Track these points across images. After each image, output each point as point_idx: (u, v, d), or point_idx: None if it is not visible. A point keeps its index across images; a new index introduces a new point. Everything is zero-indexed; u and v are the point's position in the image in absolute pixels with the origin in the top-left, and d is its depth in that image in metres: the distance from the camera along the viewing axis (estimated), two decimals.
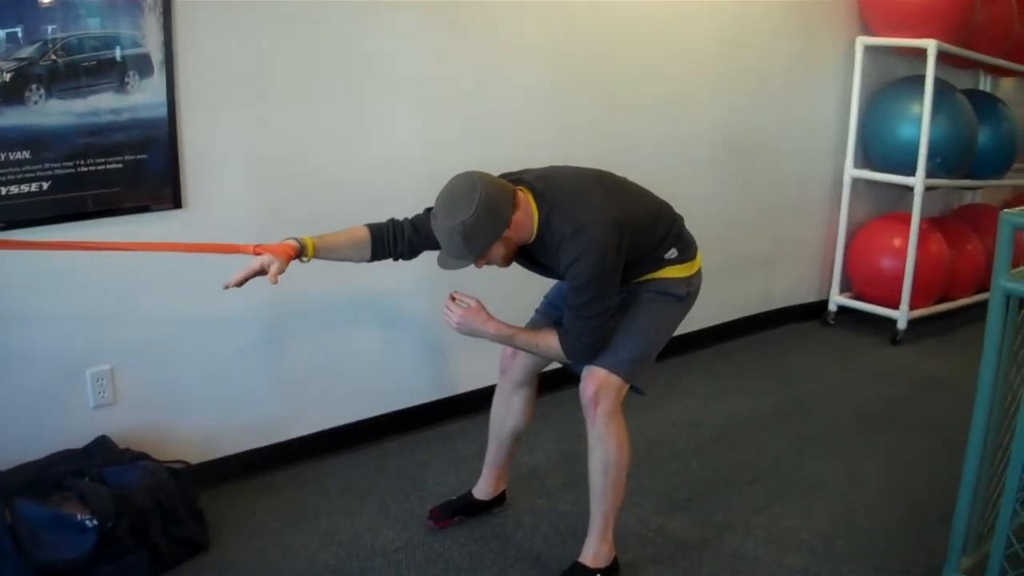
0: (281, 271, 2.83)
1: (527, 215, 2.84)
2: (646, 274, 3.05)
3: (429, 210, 2.91)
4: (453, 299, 3.05)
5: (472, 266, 2.84)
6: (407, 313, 4.21)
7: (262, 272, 2.83)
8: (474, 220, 2.69)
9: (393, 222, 3.10)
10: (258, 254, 2.85)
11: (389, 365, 4.20)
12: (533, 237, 2.87)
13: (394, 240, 3.07)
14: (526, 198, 2.85)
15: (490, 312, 3.02)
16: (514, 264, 3.00)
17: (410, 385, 4.30)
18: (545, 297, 3.35)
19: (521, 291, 3.38)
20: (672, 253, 3.05)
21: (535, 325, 3.21)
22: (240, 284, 2.87)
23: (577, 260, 2.77)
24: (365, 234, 3.05)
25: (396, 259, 3.13)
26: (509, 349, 3.27)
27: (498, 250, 2.82)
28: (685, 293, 3.10)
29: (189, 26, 3.29)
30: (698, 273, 3.16)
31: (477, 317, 3.01)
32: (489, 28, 4.17)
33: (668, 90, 5.02)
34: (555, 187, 2.89)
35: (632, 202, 2.99)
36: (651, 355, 3.09)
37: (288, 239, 2.91)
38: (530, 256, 2.98)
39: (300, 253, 2.90)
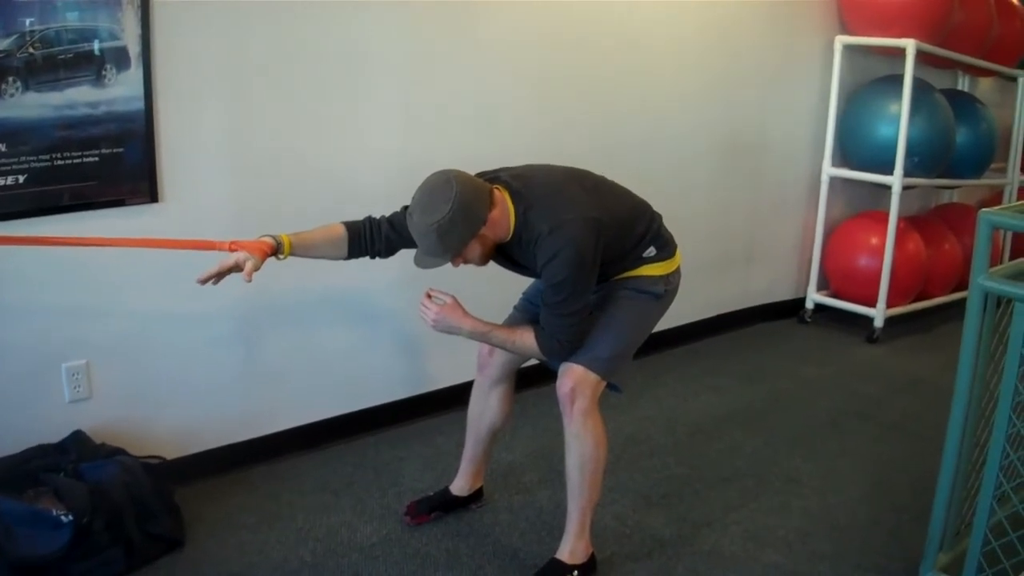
0: (256, 268, 2.82)
1: (504, 213, 2.83)
2: (624, 272, 3.05)
3: (407, 208, 2.90)
4: (429, 296, 3.04)
5: (449, 264, 2.84)
6: (384, 309, 4.20)
7: (237, 269, 2.82)
8: (450, 218, 2.69)
9: (370, 220, 3.09)
10: (234, 251, 2.83)
11: (366, 361, 4.19)
12: (510, 236, 2.87)
13: (371, 238, 3.07)
14: (503, 196, 2.85)
15: (466, 309, 3.02)
16: (491, 262, 2.99)
17: (387, 381, 4.29)
18: (524, 294, 3.35)
19: (498, 289, 3.37)
20: (650, 251, 3.05)
21: (513, 322, 3.21)
22: (216, 281, 2.86)
23: (554, 258, 2.76)
24: (342, 232, 3.05)
25: (373, 257, 3.13)
26: (487, 346, 3.26)
27: (475, 248, 2.82)
28: (663, 291, 3.10)
29: (167, 19, 3.27)
30: (676, 271, 3.16)
31: (453, 314, 3.00)
32: (473, 24, 4.16)
33: (648, 89, 5.03)
34: (532, 185, 2.89)
35: (610, 200, 2.99)
36: (628, 353, 3.10)
37: (264, 236, 2.90)
38: (507, 255, 2.98)
39: (276, 250, 2.90)
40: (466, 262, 2.89)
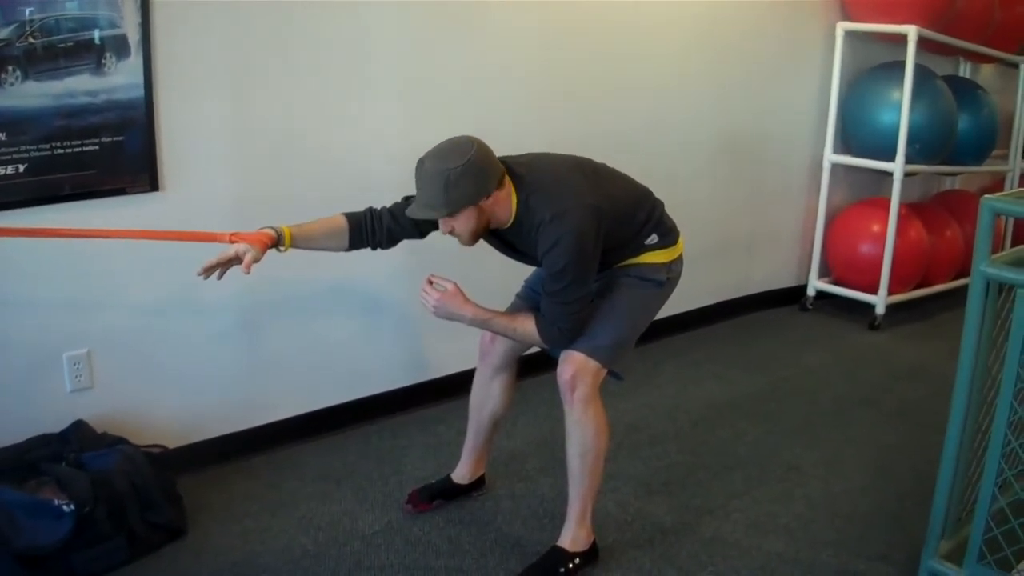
0: (256, 260, 2.81)
1: (508, 197, 2.83)
2: (626, 259, 3.05)
3: (407, 198, 2.89)
4: (430, 282, 3.03)
5: (447, 245, 2.82)
6: (385, 298, 4.19)
7: (237, 261, 2.81)
8: (462, 171, 2.68)
9: (371, 211, 3.08)
10: (234, 242, 2.83)
11: (367, 349, 4.19)
12: (511, 221, 2.87)
13: (372, 229, 3.06)
14: (507, 182, 2.84)
15: (467, 296, 3.02)
16: (493, 250, 2.99)
17: (388, 369, 4.29)
18: (526, 281, 3.34)
19: (500, 275, 3.37)
20: (653, 239, 3.05)
21: (516, 309, 3.20)
22: (220, 275, 2.85)
23: (555, 246, 2.76)
24: (343, 223, 3.04)
25: (374, 248, 3.12)
26: (488, 333, 3.26)
27: (469, 218, 2.80)
28: (665, 279, 3.10)
29: (167, 7, 3.26)
30: (679, 259, 3.16)
31: (454, 301, 3.00)
32: (473, 10, 4.15)
33: (649, 75, 5.02)
34: (535, 172, 2.88)
35: (612, 188, 2.99)
36: (630, 340, 3.09)
37: (265, 228, 2.89)
38: (508, 242, 2.98)
39: (277, 242, 2.89)
40: (454, 233, 2.86)
